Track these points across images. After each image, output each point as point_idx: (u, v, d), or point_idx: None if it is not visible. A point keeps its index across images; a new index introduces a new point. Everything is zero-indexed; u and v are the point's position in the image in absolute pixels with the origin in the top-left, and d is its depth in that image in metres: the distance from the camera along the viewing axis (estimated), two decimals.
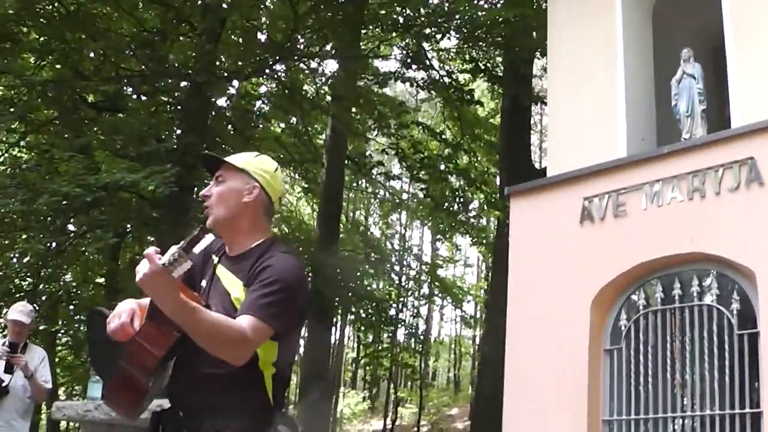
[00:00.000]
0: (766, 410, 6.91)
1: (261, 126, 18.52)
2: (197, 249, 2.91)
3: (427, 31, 17.20)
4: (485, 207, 23.77)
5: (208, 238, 2.92)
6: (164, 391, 3.41)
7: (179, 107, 16.24)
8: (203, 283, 3.53)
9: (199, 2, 15.75)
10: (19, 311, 8.09)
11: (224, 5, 15.42)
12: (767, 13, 7.88)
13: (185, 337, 3.14)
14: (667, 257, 7.88)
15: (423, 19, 16.85)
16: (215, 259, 3.56)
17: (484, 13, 16.79)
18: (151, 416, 3.41)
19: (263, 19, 17.97)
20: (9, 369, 7.87)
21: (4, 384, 7.86)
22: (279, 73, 18.18)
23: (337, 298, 20.95)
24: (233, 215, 3.48)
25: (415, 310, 33.18)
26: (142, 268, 2.94)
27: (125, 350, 3.19)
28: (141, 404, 3.32)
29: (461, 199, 21.99)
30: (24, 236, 15.78)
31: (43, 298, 18.33)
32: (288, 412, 3.49)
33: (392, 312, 27.89)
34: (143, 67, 16.25)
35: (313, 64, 19.80)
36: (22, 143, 17.79)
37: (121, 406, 3.38)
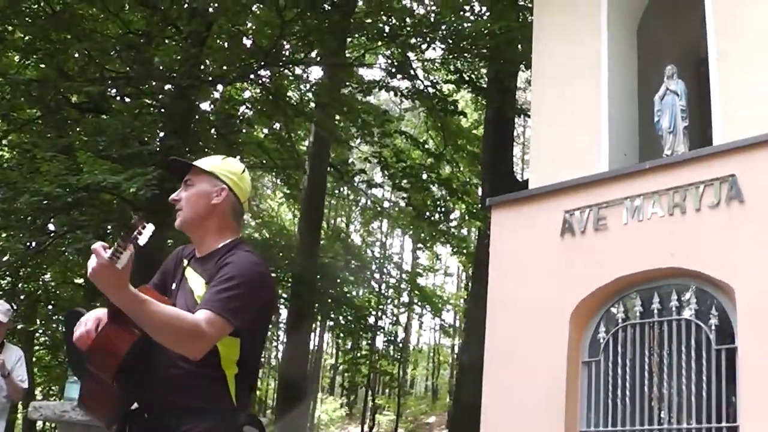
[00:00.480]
0: (742, 424, 6.96)
1: (244, 131, 18.49)
2: (142, 240, 2.89)
3: (413, 40, 17.23)
4: (466, 217, 23.82)
5: (150, 228, 2.90)
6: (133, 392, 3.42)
7: (163, 110, 16.21)
8: (173, 286, 3.57)
9: (186, 6, 15.74)
10: None
11: (211, 9, 15.41)
12: (751, 31, 7.96)
13: (149, 337, 3.16)
14: (647, 272, 7.93)
15: (408, 29, 16.90)
16: (185, 262, 3.61)
17: (469, 24, 16.86)
18: (120, 418, 3.41)
19: (249, 25, 17.97)
20: None
21: None
22: (263, 79, 18.17)
23: (317, 304, 20.95)
24: (202, 217, 3.54)
25: (395, 318, 33.19)
26: (91, 263, 2.96)
27: (89, 354, 3.21)
28: (115, 407, 3.34)
29: (442, 209, 22.01)
30: (4, 235, 15.73)
31: (22, 297, 18.33)
32: (256, 414, 3.49)
33: (371, 319, 27.90)
34: (128, 69, 16.22)
35: (298, 71, 19.83)
36: (4, 142, 17.74)
37: (95, 411, 3.39)
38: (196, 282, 3.47)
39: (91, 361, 3.22)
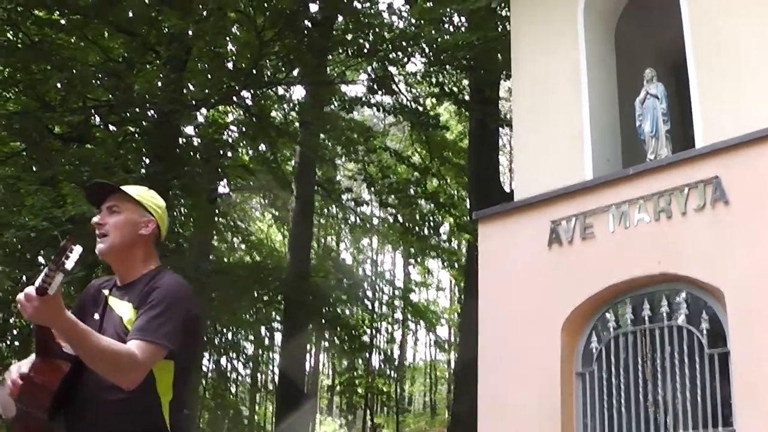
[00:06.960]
0: (739, 428, 6.91)
1: (229, 154, 18.44)
2: (69, 264, 2.80)
3: (393, 55, 17.22)
4: (455, 230, 23.76)
5: (78, 250, 2.81)
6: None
7: (146, 137, 16.14)
8: (96, 317, 3.52)
9: (165, 30, 15.69)
10: None
11: (189, 33, 15.38)
12: (728, 33, 7.95)
13: (78, 368, 3.15)
14: (636, 279, 7.90)
15: (388, 43, 16.88)
16: (106, 292, 3.58)
17: (448, 36, 16.85)
18: None
19: (229, 47, 17.94)
20: None
21: None
22: (246, 101, 18.14)
23: (310, 325, 20.87)
24: (128, 245, 3.51)
25: (389, 335, 33.06)
26: (25, 308, 2.89)
27: (20, 391, 3.14)
28: None
29: (431, 223, 21.97)
30: None
31: (15, 332, 18.15)
32: None
33: (366, 338, 27.78)
34: (110, 96, 16.14)
35: (280, 91, 19.79)
36: None
37: None
38: (123, 308, 3.44)
39: (23, 401, 3.16)
